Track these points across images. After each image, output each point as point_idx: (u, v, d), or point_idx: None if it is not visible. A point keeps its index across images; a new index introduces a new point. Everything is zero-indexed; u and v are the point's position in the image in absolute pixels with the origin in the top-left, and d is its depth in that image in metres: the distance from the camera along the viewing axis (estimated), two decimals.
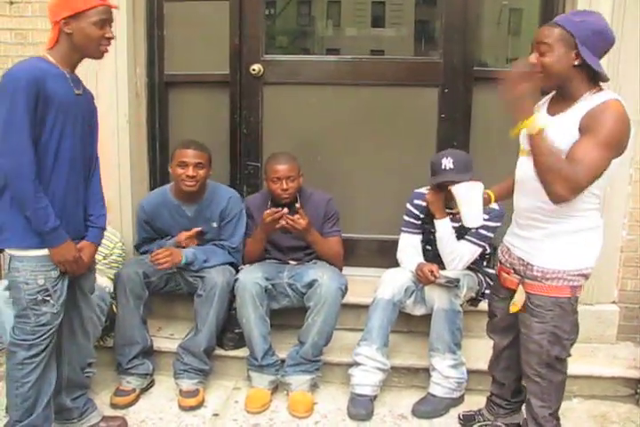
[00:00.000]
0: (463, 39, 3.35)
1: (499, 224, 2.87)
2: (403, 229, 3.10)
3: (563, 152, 1.98)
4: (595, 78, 2.04)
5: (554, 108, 2.11)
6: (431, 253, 3.01)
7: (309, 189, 3.16)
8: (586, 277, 2.16)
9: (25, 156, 2.07)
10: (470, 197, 2.32)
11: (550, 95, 2.19)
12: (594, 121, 1.94)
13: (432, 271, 2.80)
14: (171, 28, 3.50)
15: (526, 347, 2.22)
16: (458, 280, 2.81)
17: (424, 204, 3.01)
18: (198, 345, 2.89)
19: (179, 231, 3.08)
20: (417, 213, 3.05)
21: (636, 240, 3.16)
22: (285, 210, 2.91)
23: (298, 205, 3.01)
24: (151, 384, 3.02)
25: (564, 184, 1.91)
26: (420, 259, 2.97)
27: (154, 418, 2.78)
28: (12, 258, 2.23)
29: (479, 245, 2.89)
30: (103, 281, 2.97)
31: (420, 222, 3.05)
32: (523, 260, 2.21)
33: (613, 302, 3.23)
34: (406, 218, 3.09)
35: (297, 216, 2.91)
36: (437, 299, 2.80)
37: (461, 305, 2.84)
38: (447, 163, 2.82)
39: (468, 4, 3.33)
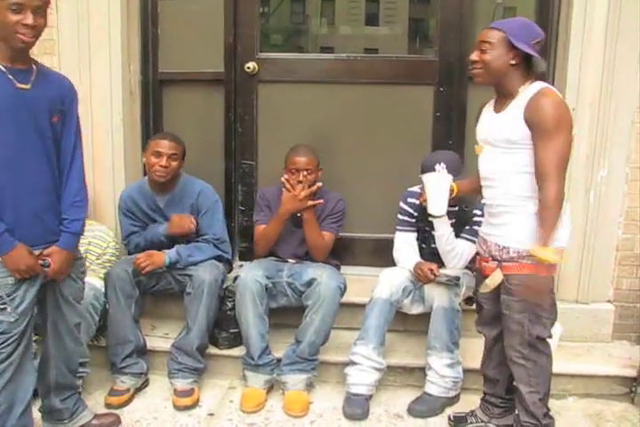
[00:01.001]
0: (459, 37, 3.35)
1: (479, 216, 2.87)
2: (397, 227, 3.10)
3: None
4: (528, 73, 2.24)
5: (498, 106, 2.32)
6: (427, 252, 3.01)
7: (326, 188, 3.15)
8: (560, 255, 2.25)
9: None
10: (439, 187, 2.39)
11: (494, 98, 2.37)
12: (536, 114, 2.14)
13: (432, 270, 2.81)
14: (165, 25, 3.48)
15: (508, 328, 2.32)
16: (458, 278, 2.81)
17: (417, 202, 3.01)
18: (190, 344, 2.88)
19: (153, 223, 3.11)
20: (411, 211, 3.05)
21: (632, 239, 3.16)
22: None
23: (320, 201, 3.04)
24: (145, 384, 3.00)
25: (560, 201, 2.16)
26: (417, 257, 2.97)
27: (148, 418, 2.76)
28: None
29: (475, 242, 2.89)
30: (96, 281, 2.95)
31: (414, 221, 3.05)
32: (499, 245, 2.30)
33: (609, 301, 3.23)
34: (400, 217, 3.09)
35: (300, 186, 2.95)
36: (437, 297, 2.80)
37: (460, 304, 2.83)
38: (440, 169, 2.79)
39: (463, 3, 3.33)
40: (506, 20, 2.33)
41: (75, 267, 2.34)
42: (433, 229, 2.89)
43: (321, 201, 3.03)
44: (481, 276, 2.43)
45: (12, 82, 2.05)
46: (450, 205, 2.68)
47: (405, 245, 3.05)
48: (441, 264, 2.91)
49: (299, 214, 3.05)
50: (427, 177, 2.41)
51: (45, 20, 2.09)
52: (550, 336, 2.32)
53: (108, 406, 2.82)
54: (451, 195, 2.62)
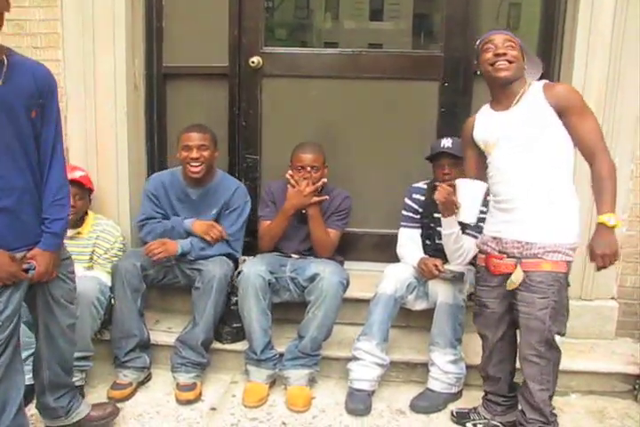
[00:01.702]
0: (464, 33, 3.34)
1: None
2: (402, 223, 3.10)
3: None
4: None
5: (501, 106, 2.38)
6: (431, 248, 3.01)
7: (332, 185, 3.16)
8: (575, 251, 2.31)
9: None
10: (473, 194, 2.34)
11: (487, 104, 2.49)
12: (564, 96, 2.25)
13: (436, 265, 2.81)
14: (170, 19, 3.47)
15: (527, 326, 2.31)
16: (462, 274, 2.80)
17: (422, 198, 3.04)
18: (196, 338, 2.88)
19: (180, 213, 3.11)
20: (415, 207, 3.06)
21: (636, 236, 3.16)
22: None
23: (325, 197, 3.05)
24: (148, 378, 3.01)
25: (615, 170, 2.25)
26: (421, 253, 2.97)
27: (151, 412, 2.76)
28: None
29: (476, 237, 2.88)
30: (103, 275, 2.94)
31: (418, 217, 3.05)
32: (520, 241, 2.30)
33: (612, 298, 3.22)
34: (405, 213, 3.09)
35: (305, 182, 2.96)
36: (441, 293, 2.80)
37: (464, 300, 2.83)
38: (446, 142, 2.92)
39: None
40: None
41: (62, 267, 2.25)
42: (438, 225, 2.88)
43: (326, 197, 3.03)
44: (488, 274, 2.42)
45: None
46: None
47: (409, 242, 3.05)
48: (445, 260, 2.90)
49: (304, 211, 3.05)
50: (460, 182, 2.38)
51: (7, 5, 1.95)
52: (564, 334, 2.33)
53: (110, 399, 2.81)
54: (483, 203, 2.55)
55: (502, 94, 2.36)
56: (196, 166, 3.01)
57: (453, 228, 2.78)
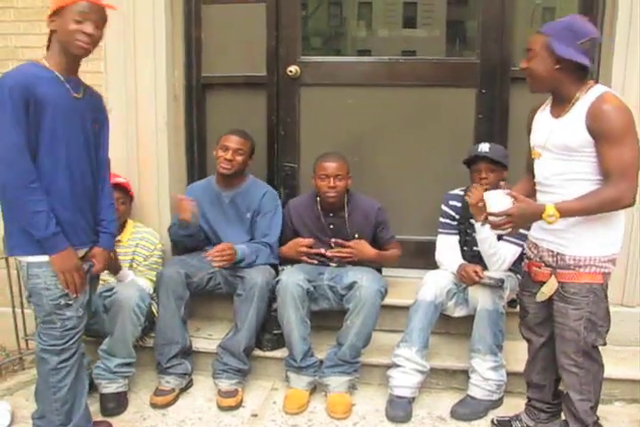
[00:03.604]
0: (500, 39, 3.34)
1: None
2: (439, 230, 3.11)
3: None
4: (584, 77, 2.19)
5: (556, 111, 2.25)
6: (468, 255, 3.01)
7: (357, 193, 3.18)
8: (614, 262, 2.24)
9: (17, 165, 2.05)
10: (501, 206, 2.33)
11: (549, 100, 2.32)
12: (600, 121, 2.08)
13: (476, 272, 2.80)
14: (208, 30, 3.52)
15: (562, 336, 2.28)
16: (502, 281, 2.80)
17: (459, 204, 3.04)
18: (238, 345, 2.91)
19: (214, 218, 3.17)
20: (452, 213, 3.07)
21: None
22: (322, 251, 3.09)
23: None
24: (190, 384, 3.04)
25: (618, 203, 2.10)
26: (460, 260, 2.97)
27: (193, 418, 2.79)
28: (28, 265, 2.19)
29: (519, 245, 2.87)
30: (143, 282, 2.99)
31: (456, 223, 3.06)
32: (552, 251, 2.27)
33: None
34: (442, 219, 3.10)
35: (307, 241, 3.09)
36: (481, 299, 2.79)
37: (504, 306, 2.82)
38: (484, 147, 2.93)
39: (504, 4, 3.31)
40: (555, 22, 2.24)
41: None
42: (475, 231, 2.88)
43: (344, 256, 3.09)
44: (530, 280, 2.42)
45: (69, 91, 2.20)
46: None
47: (448, 248, 3.05)
48: (484, 266, 2.90)
49: (331, 226, 3.11)
50: (488, 194, 2.37)
51: (102, 33, 2.22)
52: (605, 344, 2.28)
53: (153, 405, 2.86)
54: None
55: (557, 99, 2.26)
56: (227, 166, 3.09)
57: (486, 232, 2.78)
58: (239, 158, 3.11)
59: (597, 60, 3.20)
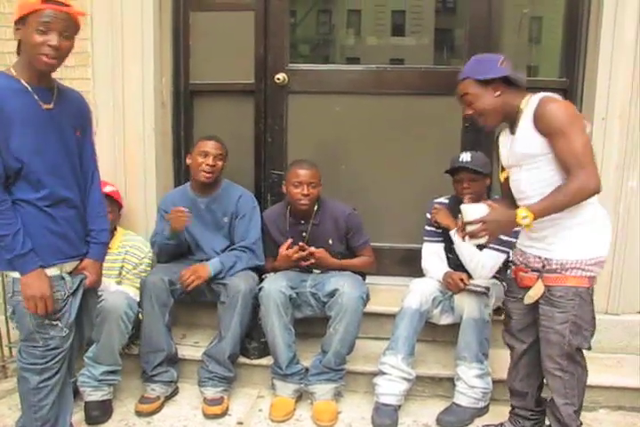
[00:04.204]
0: (487, 47, 3.33)
1: (518, 228, 2.84)
2: (425, 238, 3.13)
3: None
4: (522, 89, 2.30)
5: (512, 129, 2.34)
6: (453, 262, 3.03)
7: (329, 199, 3.17)
8: (600, 266, 2.27)
9: None
10: (477, 214, 2.34)
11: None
12: (546, 119, 2.15)
13: (462, 279, 2.82)
14: (196, 37, 3.53)
15: (548, 339, 2.30)
16: (488, 288, 2.81)
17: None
18: (222, 352, 2.90)
19: (192, 225, 3.11)
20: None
21: None
22: (299, 247, 3.03)
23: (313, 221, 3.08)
24: (175, 392, 3.03)
25: (584, 192, 2.13)
26: (446, 267, 2.98)
27: (178, 426, 2.78)
28: (14, 281, 2.10)
29: (501, 251, 2.88)
30: (131, 290, 2.97)
31: (440, 231, 3.07)
32: (539, 257, 2.30)
33: (639, 313, 3.20)
34: (427, 227, 3.13)
35: (293, 249, 3.02)
36: (467, 308, 2.79)
37: (489, 314, 2.83)
38: (465, 157, 2.95)
39: (491, 13, 3.34)
40: (465, 66, 2.37)
41: None
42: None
43: (311, 262, 3.06)
44: (515, 285, 2.43)
45: (37, 102, 2.07)
46: None
47: (433, 256, 3.07)
48: (469, 274, 2.91)
49: (303, 233, 3.11)
50: (464, 207, 2.38)
51: (71, 43, 2.08)
52: (590, 348, 2.30)
53: (138, 413, 2.84)
54: None
55: (508, 120, 2.35)
56: (210, 173, 3.08)
57: (458, 239, 2.79)
58: (220, 164, 3.11)
59: (582, 71, 3.23)
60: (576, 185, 2.11)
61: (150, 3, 3.25)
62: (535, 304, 2.32)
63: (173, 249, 3.16)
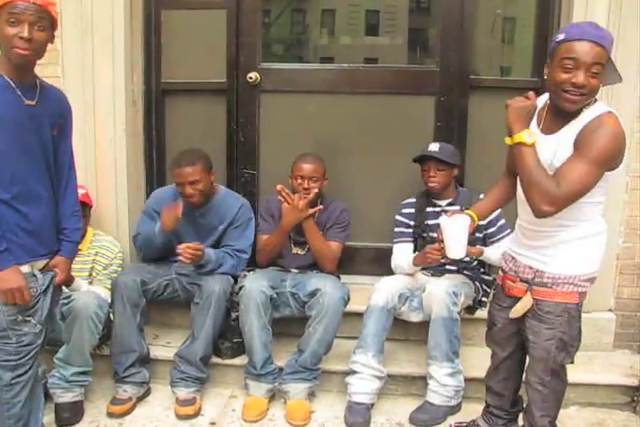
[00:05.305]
0: (460, 47, 3.37)
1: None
2: (395, 240, 3.16)
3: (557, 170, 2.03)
4: None
5: (548, 126, 2.12)
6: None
7: (331, 197, 3.20)
8: (592, 281, 2.20)
9: None
10: (456, 231, 2.35)
11: (537, 111, 2.11)
12: (586, 139, 1.97)
13: (438, 250, 2.68)
14: (168, 35, 3.50)
15: (533, 355, 2.25)
16: (462, 261, 2.80)
17: (412, 210, 3.13)
18: (194, 353, 2.89)
19: (183, 230, 3.06)
20: (407, 221, 3.13)
21: (633, 248, 3.17)
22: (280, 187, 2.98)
23: (319, 207, 3.06)
24: (147, 393, 3.01)
25: (542, 198, 1.97)
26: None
27: None
28: None
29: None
30: (102, 291, 2.95)
31: (410, 230, 3.11)
32: (532, 268, 2.22)
33: (610, 310, 3.24)
34: (397, 229, 3.16)
35: (297, 196, 2.98)
36: (435, 307, 2.78)
37: (459, 313, 2.83)
38: (433, 146, 3.03)
39: (464, 13, 3.35)
40: (600, 32, 2.00)
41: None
42: (431, 230, 2.97)
43: (320, 207, 3.04)
44: (502, 293, 2.36)
45: (21, 98, 2.05)
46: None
47: (403, 255, 3.08)
48: (434, 271, 3.00)
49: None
50: (443, 221, 2.36)
51: (47, 35, 2.07)
52: (572, 362, 2.26)
53: (109, 414, 2.82)
54: (472, 229, 2.43)
55: (558, 113, 2.09)
56: (193, 198, 3.00)
57: (493, 257, 2.91)
58: (199, 187, 2.97)
59: None
60: (545, 186, 1.96)
61: (121, 0, 3.21)
62: (522, 316, 2.25)
63: (158, 248, 3.08)
